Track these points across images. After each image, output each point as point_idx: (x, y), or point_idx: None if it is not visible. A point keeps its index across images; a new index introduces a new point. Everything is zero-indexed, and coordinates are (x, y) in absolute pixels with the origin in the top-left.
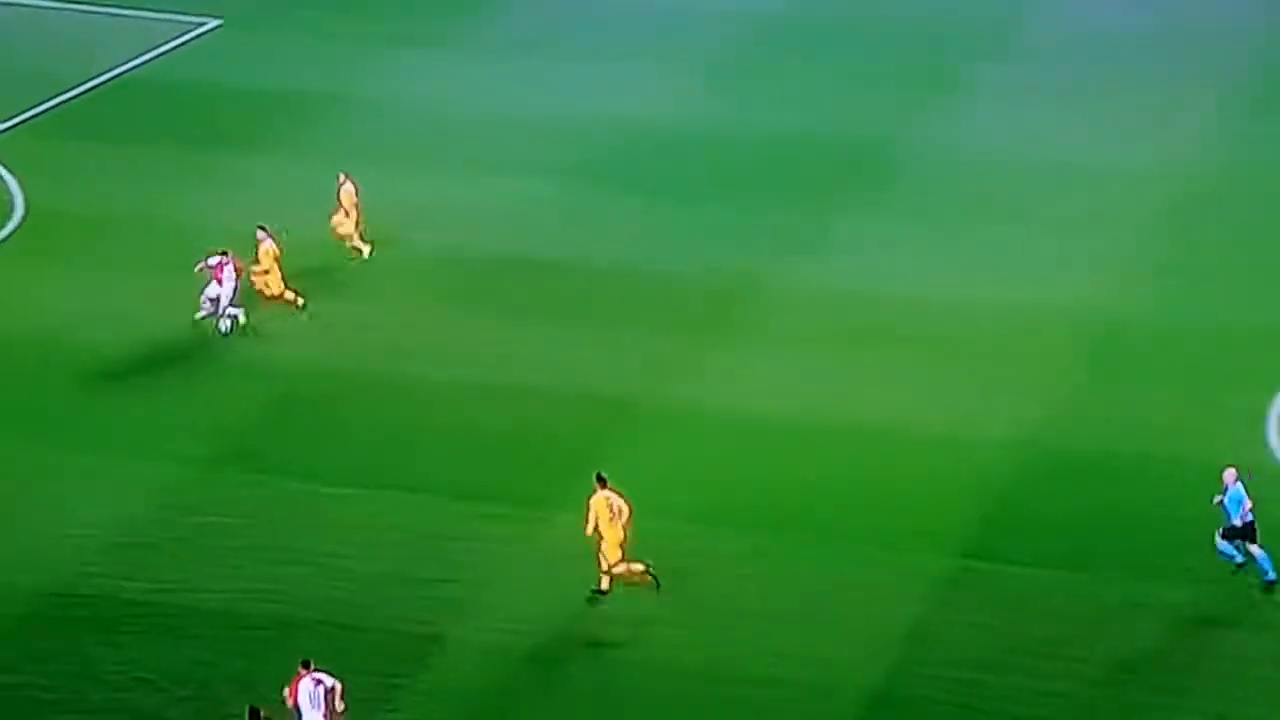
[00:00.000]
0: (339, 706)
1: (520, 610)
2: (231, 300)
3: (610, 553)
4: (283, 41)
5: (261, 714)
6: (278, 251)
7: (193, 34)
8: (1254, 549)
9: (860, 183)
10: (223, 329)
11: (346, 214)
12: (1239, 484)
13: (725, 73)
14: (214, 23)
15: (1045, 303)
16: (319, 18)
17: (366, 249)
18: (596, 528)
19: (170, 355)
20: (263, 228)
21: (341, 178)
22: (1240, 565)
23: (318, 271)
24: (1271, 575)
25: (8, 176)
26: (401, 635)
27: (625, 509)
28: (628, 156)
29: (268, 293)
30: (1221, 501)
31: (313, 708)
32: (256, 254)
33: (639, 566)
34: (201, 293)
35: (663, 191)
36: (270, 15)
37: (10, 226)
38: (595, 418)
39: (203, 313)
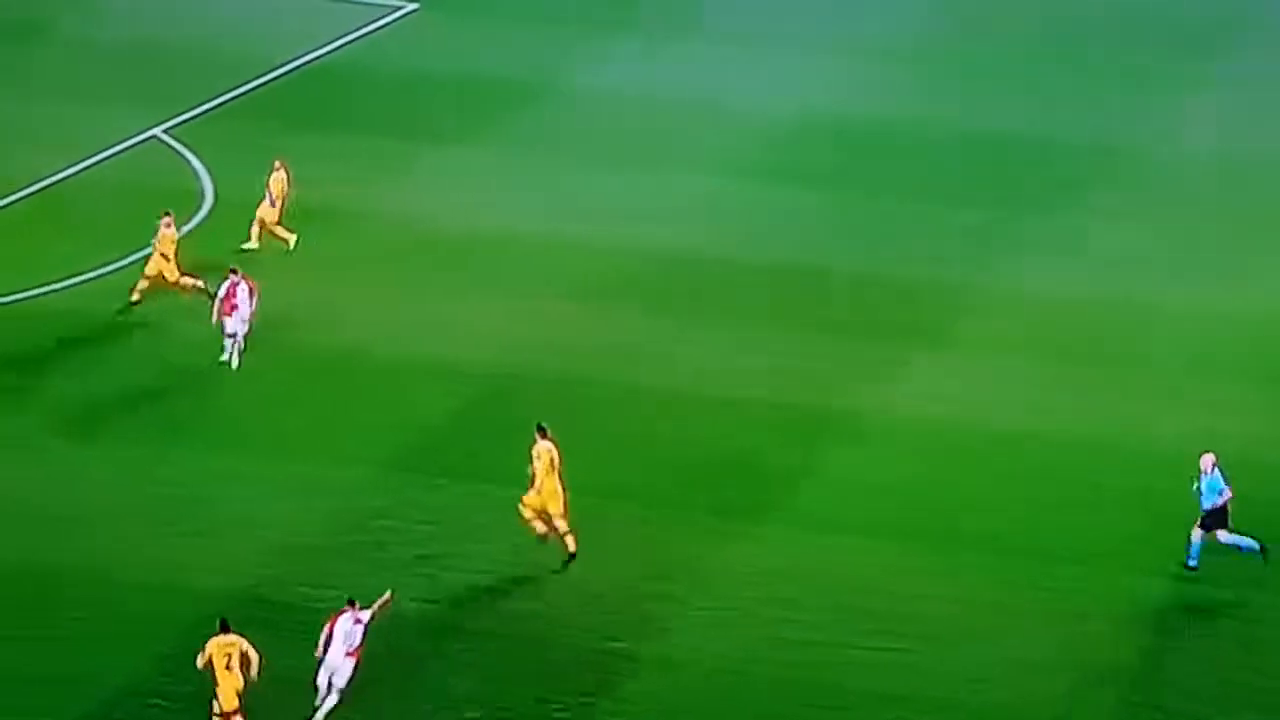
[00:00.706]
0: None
1: (717, 629)
2: (250, 325)
3: (552, 503)
4: (480, 26)
5: (229, 626)
6: (174, 238)
7: (389, 18)
8: (1219, 534)
9: (1078, 182)
10: (233, 364)
11: (273, 203)
12: (1216, 470)
13: (931, 65)
14: (411, 6)
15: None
16: (519, 2)
17: (253, 243)
18: (534, 477)
19: (354, 353)
20: (168, 213)
21: (276, 164)
22: (1263, 549)
23: (505, 266)
24: (1194, 562)
25: (197, 165)
26: (592, 651)
27: (557, 459)
28: (830, 152)
29: (169, 279)
30: (1199, 489)
31: (342, 643)
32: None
33: (539, 525)
34: (221, 329)
35: (865, 190)
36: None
37: (198, 218)
38: (796, 427)
39: (228, 352)
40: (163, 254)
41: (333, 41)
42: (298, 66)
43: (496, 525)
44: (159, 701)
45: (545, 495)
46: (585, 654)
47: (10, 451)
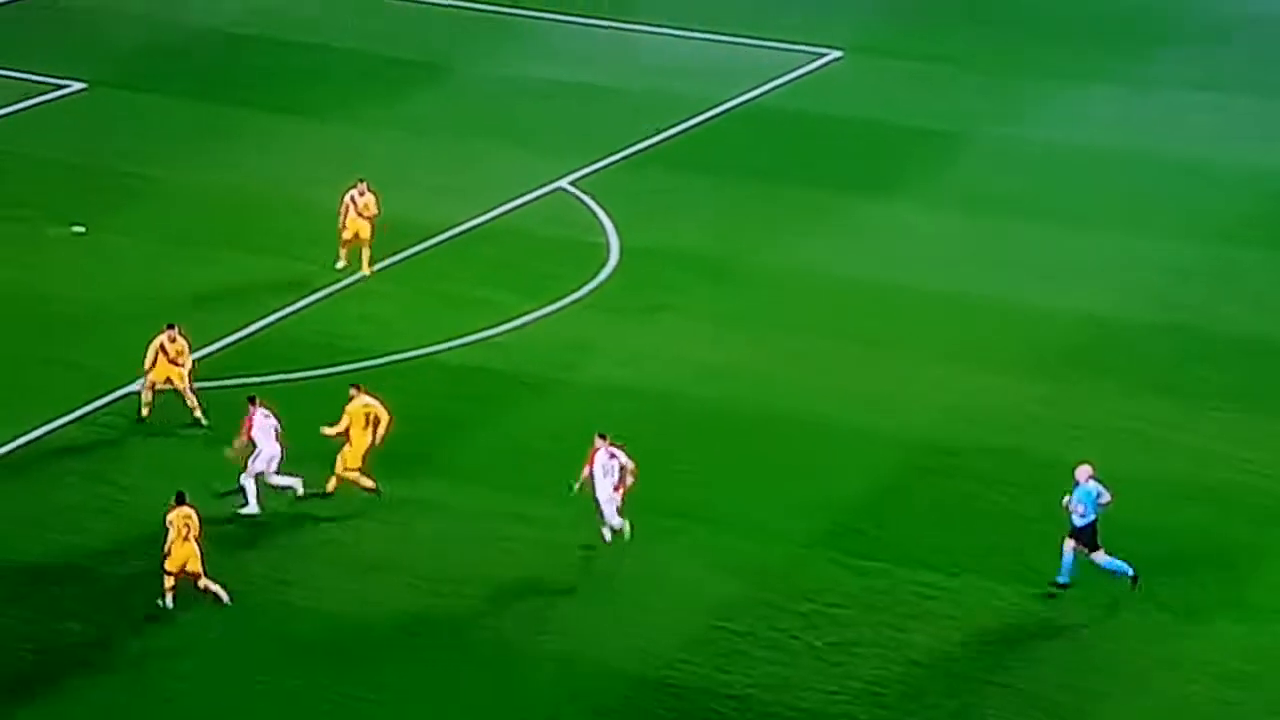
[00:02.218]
0: (628, 481)
1: None
2: (276, 462)
3: (351, 459)
4: (903, 74)
5: (185, 498)
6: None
7: (812, 65)
8: (1096, 555)
9: None
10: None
11: (360, 214)
12: (1091, 481)
13: None
14: (835, 54)
15: None
16: (950, 48)
17: (343, 262)
18: (346, 432)
19: (771, 418)
20: (172, 325)
21: (362, 186)
22: (1133, 579)
23: (931, 327)
24: (1064, 579)
25: (604, 218)
26: None
27: (384, 418)
28: None
29: (177, 385)
30: (1070, 501)
31: (604, 476)
32: (167, 349)
33: (369, 483)
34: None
35: None
36: (894, 47)
37: (603, 274)
38: (1264, 520)
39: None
40: (174, 361)
41: (751, 89)
42: (713, 115)
43: (918, 613)
44: None
45: (353, 450)
46: None
47: (417, 509)
